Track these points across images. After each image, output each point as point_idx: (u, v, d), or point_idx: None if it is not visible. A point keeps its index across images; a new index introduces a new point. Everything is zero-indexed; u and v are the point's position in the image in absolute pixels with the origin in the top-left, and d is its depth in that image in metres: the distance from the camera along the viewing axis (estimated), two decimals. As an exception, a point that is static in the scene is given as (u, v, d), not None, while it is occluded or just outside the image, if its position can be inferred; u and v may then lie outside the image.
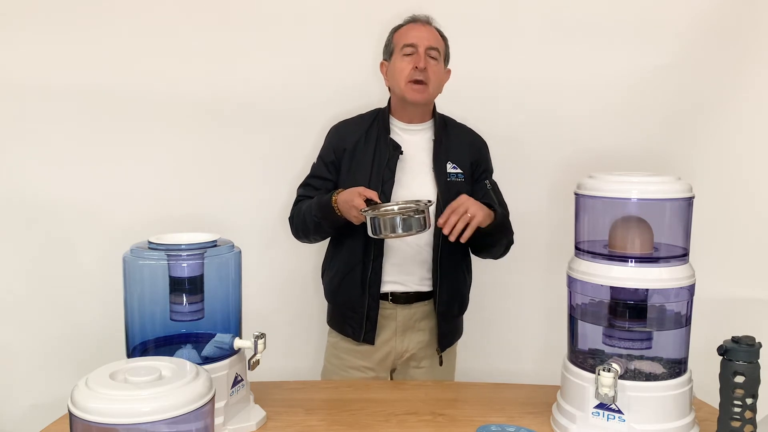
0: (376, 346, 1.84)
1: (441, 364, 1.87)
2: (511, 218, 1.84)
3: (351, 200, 1.63)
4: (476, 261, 1.94)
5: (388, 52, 1.84)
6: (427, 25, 1.82)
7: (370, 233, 1.59)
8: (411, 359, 1.87)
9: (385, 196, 1.74)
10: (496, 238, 1.76)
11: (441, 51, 1.80)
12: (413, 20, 1.83)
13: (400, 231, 1.56)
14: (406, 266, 1.80)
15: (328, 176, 1.85)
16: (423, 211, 1.57)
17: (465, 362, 2.04)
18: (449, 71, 1.87)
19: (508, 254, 1.87)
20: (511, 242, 1.84)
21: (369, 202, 1.62)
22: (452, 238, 1.61)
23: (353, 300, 1.82)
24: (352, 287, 1.81)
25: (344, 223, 1.72)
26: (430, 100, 1.83)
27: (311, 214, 1.77)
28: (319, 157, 1.90)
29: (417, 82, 1.75)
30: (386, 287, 1.81)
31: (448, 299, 1.83)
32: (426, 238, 1.78)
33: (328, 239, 1.91)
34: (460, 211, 1.60)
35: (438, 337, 1.84)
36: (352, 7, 2.18)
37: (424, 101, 1.79)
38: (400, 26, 1.84)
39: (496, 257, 1.86)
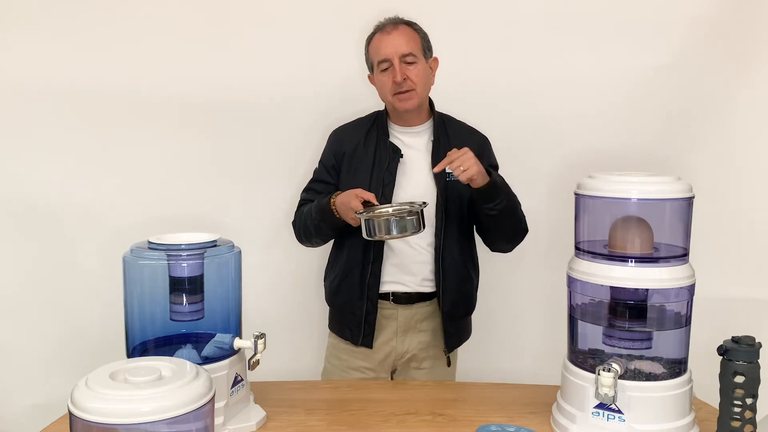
0: (377, 347, 1.84)
1: (449, 364, 1.87)
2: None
3: (348, 202, 1.64)
4: (482, 260, 1.94)
5: (369, 66, 1.83)
6: (394, 30, 1.74)
7: (365, 235, 1.59)
8: (411, 360, 1.87)
9: (386, 199, 1.74)
10: (497, 216, 1.71)
11: (417, 50, 1.75)
12: (380, 29, 1.77)
13: (394, 233, 1.57)
14: (406, 267, 1.80)
15: (329, 180, 1.85)
16: (417, 213, 1.57)
17: (465, 362, 2.04)
18: (435, 60, 1.82)
19: (508, 254, 1.87)
20: (523, 228, 1.81)
21: (367, 204, 1.63)
22: (437, 170, 1.63)
23: (352, 303, 1.81)
24: (350, 290, 1.81)
25: (343, 226, 1.72)
26: (422, 102, 1.80)
27: (311, 217, 1.77)
28: (321, 161, 1.90)
29: (401, 92, 1.74)
30: (386, 287, 1.81)
31: (452, 299, 1.81)
32: (428, 239, 1.78)
33: (332, 243, 1.91)
34: (456, 164, 1.59)
35: (444, 336, 1.83)
36: (355, 6, 2.17)
37: (414, 107, 1.77)
38: (371, 37, 1.79)
39: (506, 244, 1.84)
